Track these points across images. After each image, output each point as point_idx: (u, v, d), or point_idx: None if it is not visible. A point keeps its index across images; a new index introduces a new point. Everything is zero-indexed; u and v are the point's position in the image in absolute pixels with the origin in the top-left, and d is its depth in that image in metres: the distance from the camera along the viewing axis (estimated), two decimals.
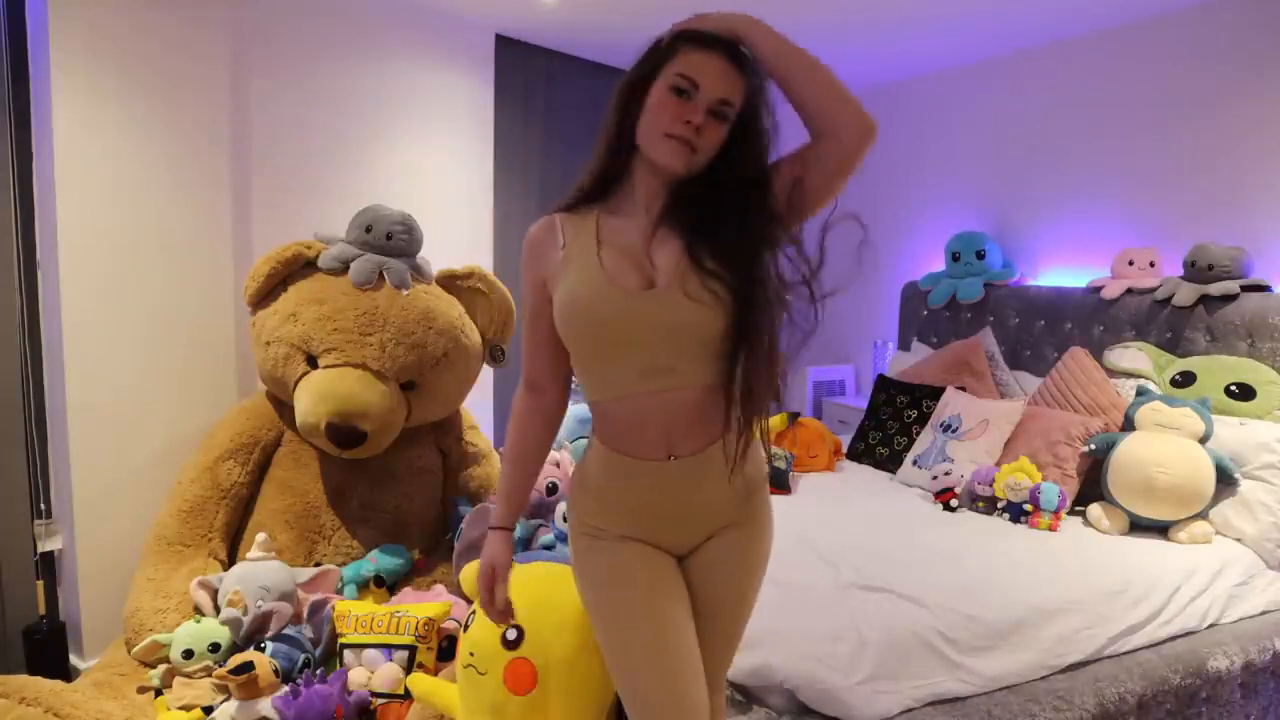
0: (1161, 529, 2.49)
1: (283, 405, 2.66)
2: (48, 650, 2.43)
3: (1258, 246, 2.83)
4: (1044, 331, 3.39)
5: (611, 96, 1.26)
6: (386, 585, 2.50)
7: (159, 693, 2.09)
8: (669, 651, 1.24)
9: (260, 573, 2.31)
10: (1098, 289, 3.18)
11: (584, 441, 2.34)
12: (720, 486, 1.28)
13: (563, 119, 3.92)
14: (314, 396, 2.45)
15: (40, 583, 2.49)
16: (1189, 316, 2.87)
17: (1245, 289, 2.75)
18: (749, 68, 1.21)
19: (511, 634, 1.78)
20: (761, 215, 1.22)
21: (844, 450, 3.39)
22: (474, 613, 1.89)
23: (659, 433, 1.25)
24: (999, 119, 3.76)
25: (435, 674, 2.09)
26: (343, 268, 2.62)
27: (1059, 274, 3.53)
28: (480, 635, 1.82)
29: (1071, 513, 2.65)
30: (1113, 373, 2.92)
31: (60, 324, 2.45)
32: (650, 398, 1.24)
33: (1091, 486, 2.66)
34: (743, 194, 1.23)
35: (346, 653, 2.15)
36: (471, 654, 1.82)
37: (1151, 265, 3.07)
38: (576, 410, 2.84)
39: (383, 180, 3.24)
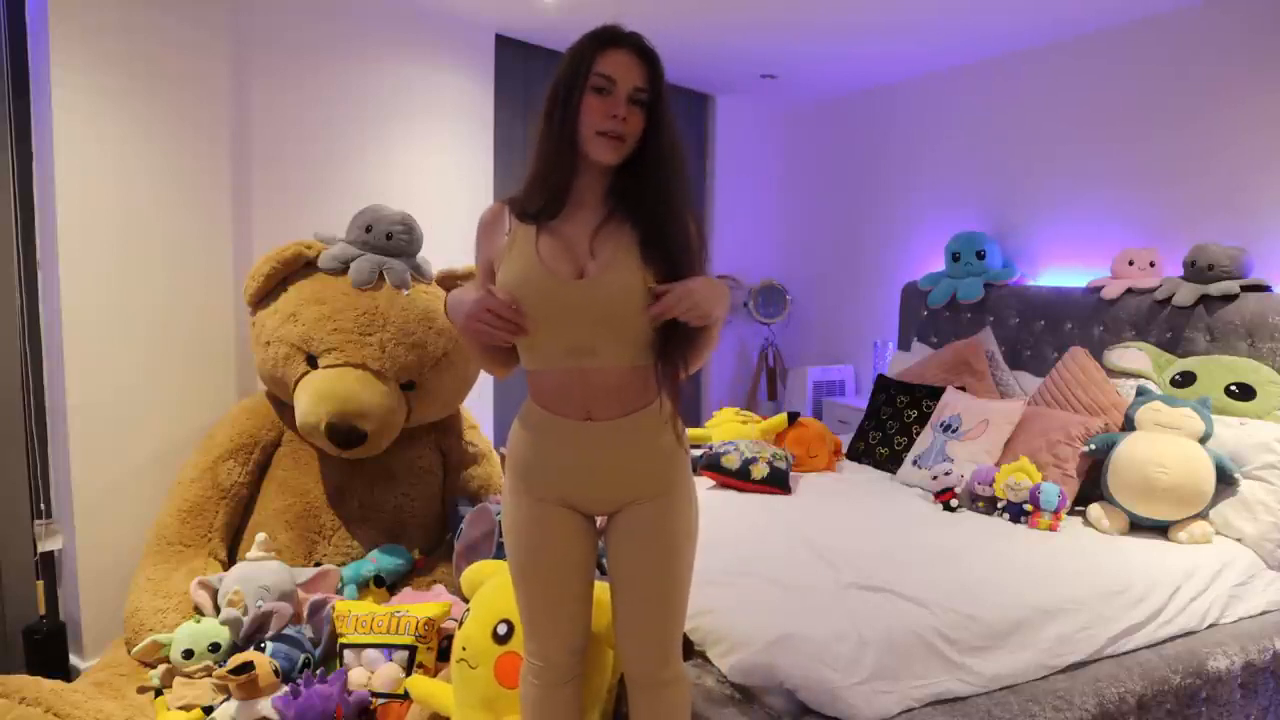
0: (1161, 529, 2.49)
1: (283, 405, 2.66)
2: (48, 650, 2.43)
3: (1258, 246, 2.83)
4: (1044, 331, 3.39)
5: (543, 104, 1.41)
6: (386, 585, 2.50)
7: (159, 693, 2.09)
8: (545, 605, 1.52)
9: (260, 573, 2.31)
10: (1098, 289, 3.17)
11: None
12: (634, 452, 1.44)
13: None
14: (314, 396, 2.45)
15: (40, 583, 2.49)
16: (1189, 316, 2.87)
17: (1245, 289, 2.75)
18: (651, 56, 1.39)
19: (502, 629, 1.80)
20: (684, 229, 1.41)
21: (844, 450, 3.38)
22: (468, 610, 1.90)
23: (579, 402, 1.43)
24: (999, 119, 3.76)
25: (435, 674, 2.10)
26: (343, 268, 2.62)
27: (1059, 274, 3.53)
28: (472, 630, 1.84)
29: (1071, 513, 2.65)
30: (1113, 373, 2.92)
31: (60, 324, 2.45)
32: (574, 373, 1.42)
33: (1091, 486, 2.65)
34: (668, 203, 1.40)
35: (346, 653, 2.15)
36: (464, 648, 1.84)
37: (1151, 265, 3.06)
38: None
39: (383, 180, 3.24)
